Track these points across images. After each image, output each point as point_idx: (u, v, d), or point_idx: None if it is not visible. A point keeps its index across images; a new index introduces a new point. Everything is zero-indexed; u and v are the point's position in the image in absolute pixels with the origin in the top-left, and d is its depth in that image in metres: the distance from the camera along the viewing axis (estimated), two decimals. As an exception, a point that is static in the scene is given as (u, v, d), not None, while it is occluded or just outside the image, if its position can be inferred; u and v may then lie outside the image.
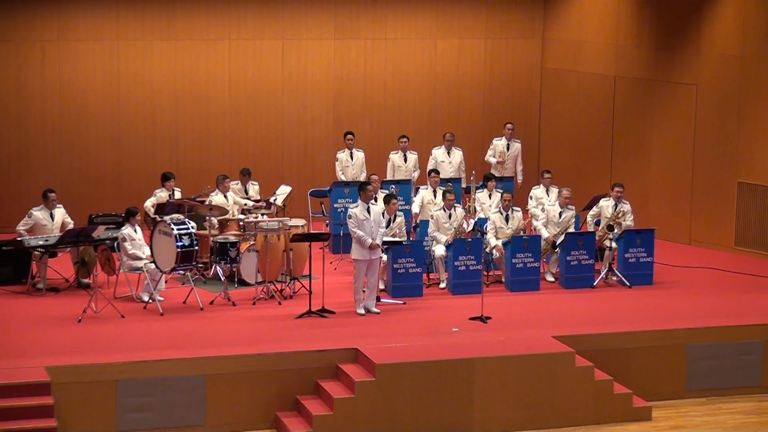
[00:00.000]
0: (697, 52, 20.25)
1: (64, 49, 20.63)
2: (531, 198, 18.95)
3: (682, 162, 20.61)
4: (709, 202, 20.27)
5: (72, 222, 17.50)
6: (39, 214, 17.33)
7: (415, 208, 18.65)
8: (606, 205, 18.14)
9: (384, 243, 16.81)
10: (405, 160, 20.12)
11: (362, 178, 19.57)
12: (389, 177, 19.92)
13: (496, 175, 19.81)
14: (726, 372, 15.79)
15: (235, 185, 18.96)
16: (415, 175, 20.09)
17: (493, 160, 20.51)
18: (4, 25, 20.42)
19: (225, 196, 18.41)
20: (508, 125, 20.74)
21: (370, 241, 16.06)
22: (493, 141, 20.70)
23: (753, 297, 17.35)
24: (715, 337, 15.82)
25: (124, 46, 20.87)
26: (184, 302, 16.55)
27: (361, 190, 16.46)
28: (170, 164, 20.27)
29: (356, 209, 16.25)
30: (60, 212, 17.51)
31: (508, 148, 20.58)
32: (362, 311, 16.29)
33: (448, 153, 20.21)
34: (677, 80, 20.59)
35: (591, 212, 18.46)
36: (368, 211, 16.17)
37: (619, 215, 17.98)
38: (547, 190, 18.83)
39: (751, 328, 15.96)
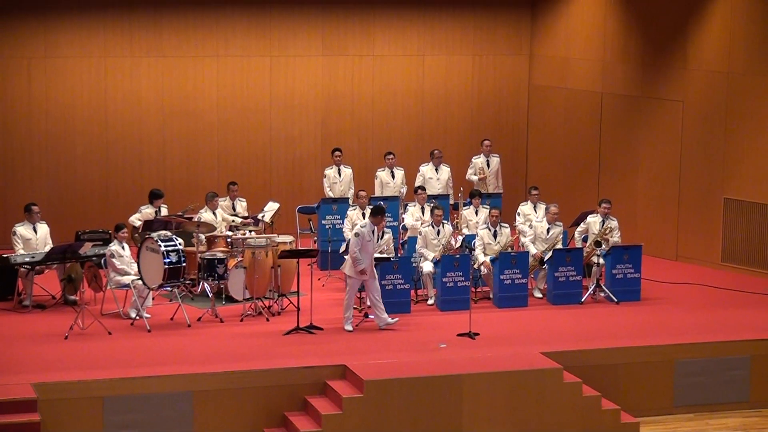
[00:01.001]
0: (684, 69, 20.42)
1: (51, 65, 20.71)
2: (519, 214, 19.02)
3: (669, 178, 20.73)
4: (695, 218, 20.38)
5: (51, 244, 17.45)
6: (21, 229, 17.39)
7: (409, 219, 18.74)
8: (593, 221, 18.26)
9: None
10: (392, 176, 20.20)
11: (350, 194, 19.71)
12: (377, 194, 19.94)
13: (482, 191, 19.83)
14: (713, 388, 15.85)
15: (223, 201, 19.01)
16: (403, 191, 20.15)
17: (474, 178, 20.65)
18: None
19: (214, 213, 18.47)
20: (486, 141, 20.91)
21: (363, 266, 16.12)
22: (473, 159, 20.86)
23: (740, 313, 17.44)
24: (702, 353, 15.88)
25: (111, 63, 20.97)
26: (172, 319, 16.57)
27: (378, 214, 16.50)
28: (158, 180, 20.35)
29: (364, 229, 16.31)
30: (44, 228, 17.54)
31: (488, 165, 20.70)
32: (350, 328, 16.35)
33: (436, 170, 20.32)
34: (664, 96, 20.73)
35: (578, 228, 18.59)
36: (373, 233, 16.32)
37: (607, 231, 18.07)
38: (535, 207, 18.90)
39: (738, 343, 16.05)
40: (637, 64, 21.18)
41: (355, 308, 17.07)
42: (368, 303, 17.16)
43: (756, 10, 19.39)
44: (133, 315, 16.57)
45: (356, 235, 16.30)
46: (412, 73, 22.39)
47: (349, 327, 16.37)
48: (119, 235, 16.89)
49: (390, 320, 16.47)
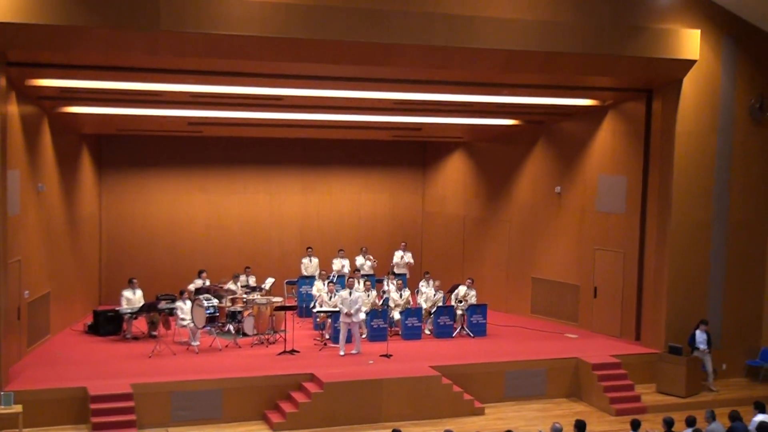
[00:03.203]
0: (510, 202, 20.47)
1: (143, 198, 20.68)
2: (421, 286, 18.73)
3: (502, 265, 20.65)
4: (517, 288, 20.26)
5: (143, 301, 17.44)
6: (126, 293, 17.37)
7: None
8: (462, 288, 18.30)
9: (328, 311, 16.85)
10: (342, 264, 19.95)
11: (316, 274, 19.16)
12: (333, 273, 19.80)
13: (396, 272, 19.91)
14: (526, 387, 15.98)
15: (243, 277, 18.97)
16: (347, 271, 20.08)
17: (394, 261, 20.54)
18: (110, 185, 20.43)
19: (237, 285, 18.55)
20: (402, 243, 20.89)
21: (345, 311, 16.13)
22: (395, 252, 20.63)
23: (540, 343, 17.53)
24: (520, 366, 16.01)
25: (178, 197, 20.94)
26: (210, 346, 16.61)
27: (347, 283, 16.61)
28: (203, 264, 20.07)
29: (344, 292, 16.29)
30: (139, 292, 17.48)
31: (403, 257, 20.51)
32: (343, 353, 16.10)
33: (364, 258, 20.15)
34: (499, 218, 20.77)
35: (453, 293, 18.50)
36: (350, 294, 16.34)
37: (467, 296, 18.21)
38: (427, 282, 18.69)
39: (540, 361, 16.20)
40: (483, 199, 21.22)
41: (318, 340, 17.03)
42: (328, 336, 17.09)
43: (548, 169, 19.58)
44: (184, 341, 16.62)
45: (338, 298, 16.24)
46: (353, 204, 22.33)
47: (341, 352, 16.08)
48: (183, 296, 16.90)
49: (357, 351, 16.12)
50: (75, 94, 15.96)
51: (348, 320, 16.18)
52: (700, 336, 16.31)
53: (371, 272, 20.07)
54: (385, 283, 19.00)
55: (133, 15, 13.13)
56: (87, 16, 13.01)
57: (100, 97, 16.16)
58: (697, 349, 16.29)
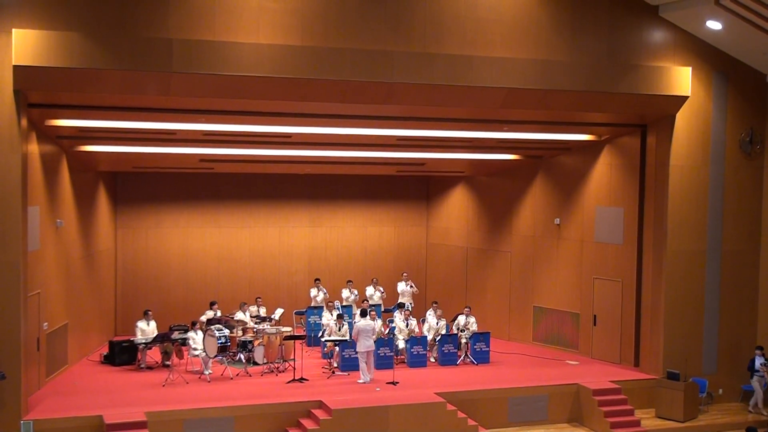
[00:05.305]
0: (510, 233, 20.48)
1: (158, 232, 20.73)
2: (427, 315, 18.70)
3: (504, 294, 20.60)
4: (519, 316, 20.20)
5: (156, 332, 17.51)
6: (141, 324, 17.42)
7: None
8: (461, 317, 18.34)
9: (336, 340, 16.84)
10: (350, 293, 20.06)
11: (324, 304, 19.22)
12: (342, 304, 19.86)
13: (401, 301, 19.89)
14: (529, 412, 15.91)
15: (253, 308, 18.97)
16: (356, 300, 20.10)
17: (401, 288, 20.60)
18: (125, 220, 20.53)
19: (245, 314, 18.51)
20: (404, 274, 20.84)
21: (359, 347, 16.00)
22: (398, 284, 20.57)
23: (542, 370, 17.47)
24: (523, 392, 15.97)
25: (190, 230, 21.00)
26: (222, 374, 16.64)
27: (363, 314, 16.54)
28: (214, 295, 20.24)
29: (361, 324, 16.20)
30: (153, 323, 17.49)
31: (405, 286, 20.63)
32: (361, 380, 16.02)
33: (374, 289, 20.24)
34: (500, 249, 20.76)
35: (455, 323, 18.53)
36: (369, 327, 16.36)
37: (467, 324, 18.22)
38: (434, 311, 18.62)
39: (542, 387, 16.18)
40: (485, 230, 21.22)
41: (327, 368, 16.96)
42: (336, 364, 17.06)
43: (548, 201, 19.48)
44: (197, 370, 16.58)
45: (354, 329, 16.19)
46: (359, 236, 22.31)
47: (360, 380, 16.02)
48: (195, 327, 16.92)
49: (368, 378, 16.02)
50: (92, 134, 16.16)
51: (366, 349, 16.10)
52: (759, 360, 16.30)
53: (380, 302, 20.06)
54: (396, 313, 18.99)
55: (147, 58, 13.39)
56: (103, 59, 13.27)
57: (115, 136, 16.36)
58: (758, 372, 16.30)
